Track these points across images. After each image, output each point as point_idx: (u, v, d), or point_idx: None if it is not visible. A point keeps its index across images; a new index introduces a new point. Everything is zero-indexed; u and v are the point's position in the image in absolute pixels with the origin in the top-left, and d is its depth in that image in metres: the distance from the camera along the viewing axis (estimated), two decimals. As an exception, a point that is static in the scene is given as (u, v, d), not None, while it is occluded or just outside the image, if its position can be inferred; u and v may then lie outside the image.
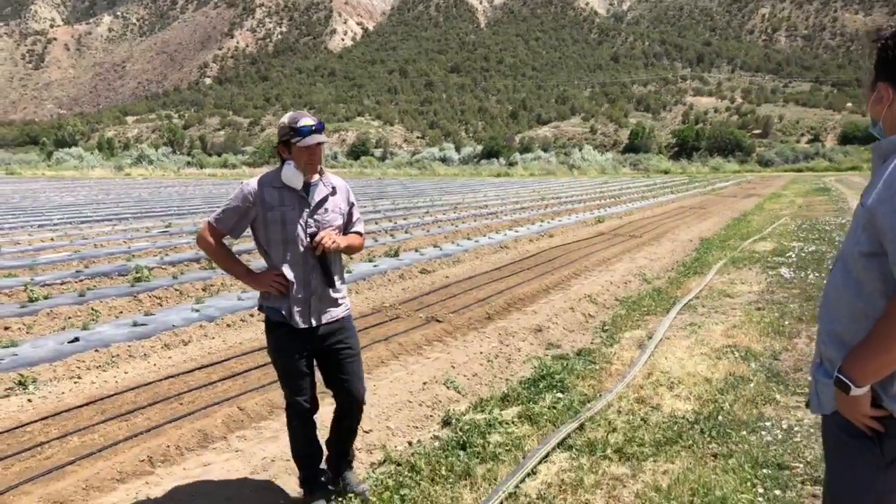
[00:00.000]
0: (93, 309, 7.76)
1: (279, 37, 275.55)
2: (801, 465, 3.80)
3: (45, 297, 8.30)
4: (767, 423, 4.38)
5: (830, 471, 2.03)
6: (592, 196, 29.70)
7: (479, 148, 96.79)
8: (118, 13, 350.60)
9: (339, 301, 3.52)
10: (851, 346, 1.89)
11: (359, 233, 3.63)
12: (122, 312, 7.89)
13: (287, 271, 3.34)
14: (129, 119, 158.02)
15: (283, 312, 3.38)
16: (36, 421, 4.64)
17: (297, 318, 3.37)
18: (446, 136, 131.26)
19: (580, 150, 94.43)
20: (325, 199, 3.43)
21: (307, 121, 3.32)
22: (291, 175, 3.32)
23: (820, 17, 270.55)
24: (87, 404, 4.96)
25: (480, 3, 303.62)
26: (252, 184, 3.40)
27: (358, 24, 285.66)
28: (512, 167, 77.48)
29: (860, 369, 1.83)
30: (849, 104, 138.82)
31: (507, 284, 9.75)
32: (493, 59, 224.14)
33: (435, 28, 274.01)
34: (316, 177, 3.44)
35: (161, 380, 5.49)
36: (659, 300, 8.71)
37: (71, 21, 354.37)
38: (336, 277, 3.48)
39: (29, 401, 5.16)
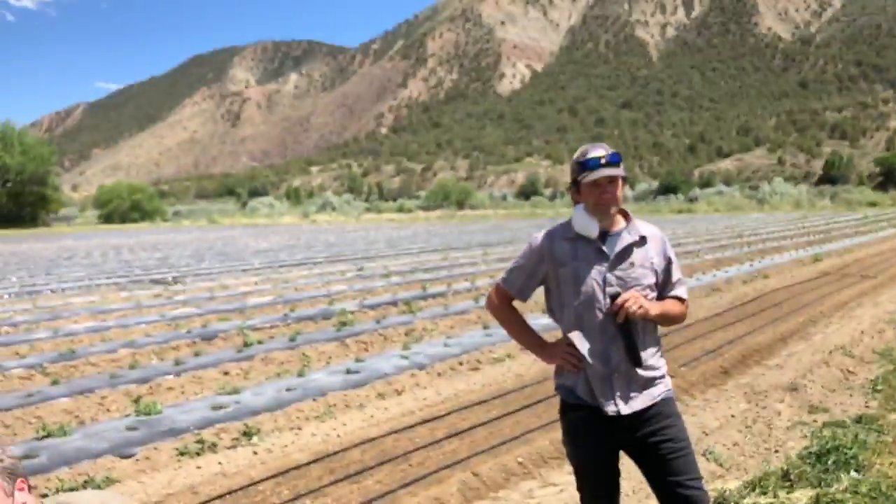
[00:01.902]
0: (304, 354, 7.72)
1: (450, 84, 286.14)
2: None
3: (259, 342, 8.41)
4: None
5: None
6: (797, 232, 27.12)
7: (655, 184, 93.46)
8: (303, 71, 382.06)
9: (653, 381, 2.71)
10: None
11: (679, 298, 2.81)
12: (331, 358, 7.79)
13: (579, 341, 2.65)
14: (314, 169, 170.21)
15: (580, 394, 2.67)
16: (266, 479, 4.40)
17: (595, 400, 2.64)
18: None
19: (769, 182, 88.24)
20: (629, 251, 2.70)
21: (598, 152, 2.69)
22: (582, 220, 2.67)
23: None
24: (313, 461, 4.67)
25: (652, 37, 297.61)
26: (540, 237, 2.80)
27: (526, 66, 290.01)
28: (693, 203, 73.78)
29: None
30: None
31: (736, 333, 8.65)
32: (667, 93, 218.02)
33: (605, 65, 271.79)
34: (620, 223, 2.74)
35: (384, 435, 5.13)
36: (933, 354, 7.27)
37: (262, 81, 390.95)
38: (649, 351, 2.70)
39: (255, 453, 4.98)
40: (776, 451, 4.82)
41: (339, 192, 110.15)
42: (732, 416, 5.56)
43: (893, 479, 4.08)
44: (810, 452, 4.61)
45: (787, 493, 4.01)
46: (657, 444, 2.64)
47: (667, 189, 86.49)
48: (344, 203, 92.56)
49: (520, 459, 4.64)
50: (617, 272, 2.64)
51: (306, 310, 10.90)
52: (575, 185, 2.73)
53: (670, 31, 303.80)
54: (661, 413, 2.66)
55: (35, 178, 68.36)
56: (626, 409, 2.60)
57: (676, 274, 2.81)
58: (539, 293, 2.92)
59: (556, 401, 5.90)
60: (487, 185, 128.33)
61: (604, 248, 2.66)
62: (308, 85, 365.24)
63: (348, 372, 6.91)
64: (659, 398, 2.67)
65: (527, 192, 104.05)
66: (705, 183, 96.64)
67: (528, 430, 5.17)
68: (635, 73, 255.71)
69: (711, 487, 4.24)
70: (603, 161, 2.64)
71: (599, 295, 2.61)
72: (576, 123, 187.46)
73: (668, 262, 2.77)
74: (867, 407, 5.71)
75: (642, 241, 2.73)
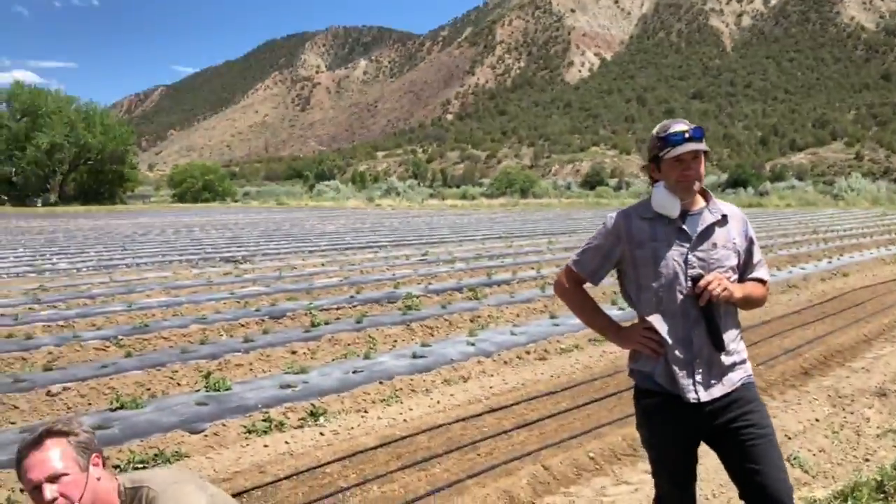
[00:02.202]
0: (370, 336, 7.71)
1: (517, 72, 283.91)
2: None
3: (326, 323, 8.45)
4: None
5: None
6: (876, 230, 25.86)
7: (724, 176, 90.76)
8: (372, 57, 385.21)
9: (735, 366, 2.56)
10: None
11: (761, 280, 2.65)
12: (396, 341, 7.76)
13: (659, 325, 2.51)
14: (379, 154, 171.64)
15: (658, 380, 2.54)
16: (333, 461, 4.37)
17: (675, 386, 2.50)
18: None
19: (846, 178, 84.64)
20: (710, 231, 2.55)
21: (680, 126, 2.54)
22: (663, 199, 2.53)
23: None
24: (380, 446, 4.63)
25: (727, 26, 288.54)
26: (616, 216, 2.66)
27: (595, 54, 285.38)
28: (763, 197, 71.32)
29: None
30: None
31: (816, 332, 8.25)
32: (740, 84, 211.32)
33: (676, 54, 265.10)
34: (700, 202, 2.59)
35: (452, 423, 5.06)
36: None
37: (332, 67, 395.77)
38: (730, 335, 2.56)
39: (321, 434, 4.98)
40: (867, 460, 4.54)
41: (403, 178, 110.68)
42: (817, 419, 5.28)
43: None
44: (906, 463, 4.32)
45: (881, 505, 3.76)
46: (738, 429, 2.49)
47: (736, 182, 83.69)
48: (408, 188, 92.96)
49: (591, 454, 4.50)
50: (699, 252, 2.51)
51: (372, 292, 10.92)
52: (655, 161, 2.58)
53: (746, 21, 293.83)
54: (742, 398, 2.53)
55: (114, 157, 70.88)
56: (706, 396, 2.47)
57: (758, 255, 2.67)
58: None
59: (628, 395, 5.74)
60: (552, 174, 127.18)
61: (685, 227, 2.52)
62: (377, 71, 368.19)
63: (414, 356, 6.86)
64: (739, 383, 2.54)
65: (591, 181, 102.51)
66: (777, 177, 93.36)
67: (599, 425, 5.02)
68: (707, 62, 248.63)
69: (798, 496, 4.02)
70: (687, 135, 2.50)
71: (681, 277, 2.48)
72: (644, 113, 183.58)
73: (750, 243, 2.65)
74: (966, 417, 5.34)
75: (724, 220, 2.59)
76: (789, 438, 4.86)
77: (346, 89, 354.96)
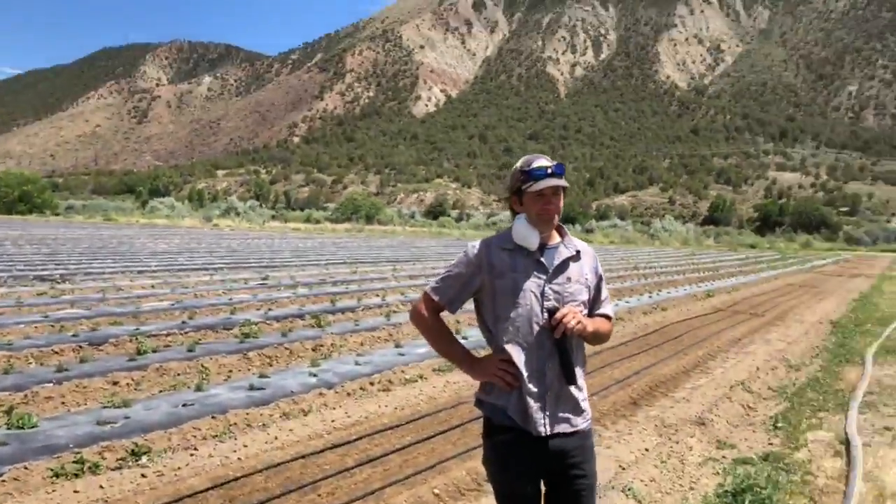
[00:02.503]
0: (203, 366, 7.21)
1: (366, 100, 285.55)
2: None
3: (154, 351, 7.80)
4: None
5: None
6: (688, 268, 28.30)
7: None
8: (218, 74, 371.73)
9: (580, 404, 2.60)
10: None
11: (607, 316, 2.74)
12: (231, 372, 7.31)
13: (516, 356, 2.52)
14: (220, 172, 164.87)
15: (510, 413, 2.53)
16: (157, 507, 3.96)
17: (527, 421, 2.51)
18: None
19: (660, 219, 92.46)
20: (566, 265, 2.63)
21: (542, 161, 2.61)
22: (524, 231, 2.58)
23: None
24: (211, 488, 4.25)
25: (562, 74, 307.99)
26: (478, 245, 2.65)
27: (441, 91, 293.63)
28: (589, 234, 76.12)
29: None
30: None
31: (642, 363, 8.77)
32: (572, 128, 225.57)
33: (516, 97, 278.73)
34: (556, 238, 2.67)
35: (290, 460, 4.76)
36: (823, 393, 7.58)
37: (175, 81, 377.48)
38: (579, 372, 2.61)
39: (143, 476, 4.51)
40: (692, 489, 4.80)
41: (244, 198, 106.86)
42: (647, 449, 5.53)
43: (806, 520, 4.12)
44: (726, 491, 4.62)
45: (707, 532, 3.96)
46: (574, 477, 2.57)
47: (565, 219, 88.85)
48: (249, 209, 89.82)
49: (436, 491, 4.41)
50: (554, 286, 2.58)
51: (206, 318, 10.28)
52: (517, 193, 2.64)
53: (579, 71, 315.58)
54: (582, 446, 2.61)
55: None
56: (553, 430, 2.51)
57: (605, 292, 2.77)
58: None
59: (472, 427, 5.75)
60: (397, 203, 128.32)
61: (542, 260, 2.59)
62: (221, 88, 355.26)
63: (251, 388, 6.48)
64: (583, 426, 2.60)
65: (435, 212, 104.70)
66: (602, 216, 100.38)
67: (443, 459, 4.95)
68: (544, 106, 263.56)
69: (631, 524, 4.16)
70: (549, 171, 2.58)
71: (537, 308, 2.53)
72: (485, 150, 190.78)
73: (599, 280, 2.74)
74: (771, 444, 5.83)
75: (578, 255, 2.68)
76: (623, 469, 5.05)
77: (187, 104, 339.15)
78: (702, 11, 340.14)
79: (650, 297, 16.35)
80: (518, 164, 2.66)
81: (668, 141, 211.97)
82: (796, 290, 20.49)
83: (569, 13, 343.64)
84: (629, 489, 4.60)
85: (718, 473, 5.08)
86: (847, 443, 5.70)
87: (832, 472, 5.05)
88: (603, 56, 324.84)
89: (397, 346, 8.90)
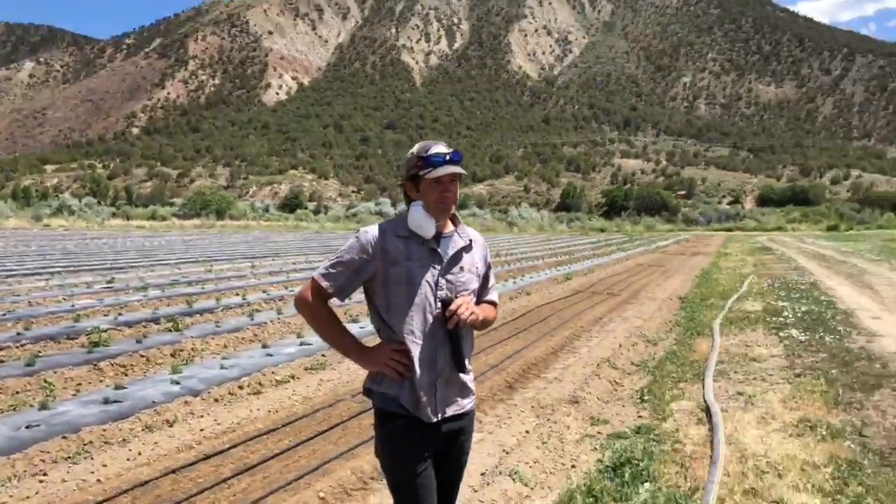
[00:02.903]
0: (46, 381, 6.51)
1: (212, 89, 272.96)
2: None
3: (-14, 366, 6.98)
4: (938, 527, 3.65)
5: None
6: (545, 253, 29.38)
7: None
8: (42, 59, 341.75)
9: (467, 387, 2.65)
10: None
11: (493, 303, 2.77)
12: (81, 385, 6.67)
13: (411, 346, 2.48)
14: (49, 168, 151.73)
15: (402, 402, 2.51)
16: (4, 543, 3.49)
17: (419, 409, 2.51)
18: (382, 190, 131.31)
19: (517, 207, 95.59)
20: (459, 255, 2.60)
21: (440, 148, 2.55)
22: (420, 219, 2.51)
23: (736, 87, 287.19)
24: (69, 515, 3.82)
25: (416, 63, 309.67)
26: (372, 231, 2.56)
27: (293, 78, 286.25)
28: (450, 223, 77.30)
29: None
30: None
31: (514, 347, 8.93)
32: (429, 118, 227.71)
33: (371, 85, 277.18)
34: (450, 226, 2.63)
35: (159, 477, 4.38)
36: (680, 364, 8.04)
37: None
38: (467, 357, 2.64)
39: (-16, 510, 3.98)
40: (573, 467, 4.89)
41: (79, 195, 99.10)
42: (527, 432, 5.60)
43: (684, 489, 4.30)
44: (606, 466, 4.74)
45: (594, 509, 4.04)
46: (457, 456, 2.66)
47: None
48: (85, 207, 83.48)
49: (322, 494, 4.21)
50: (448, 276, 2.55)
51: (46, 328, 9.35)
52: (413, 180, 2.57)
53: (434, 60, 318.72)
54: (466, 427, 2.67)
55: None
56: (443, 415, 2.54)
57: (492, 279, 2.80)
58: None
59: (353, 425, 5.57)
60: (249, 196, 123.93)
61: (437, 249, 2.55)
62: (46, 75, 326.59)
63: (106, 401, 5.93)
64: (469, 408, 2.65)
65: (291, 204, 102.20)
66: (461, 205, 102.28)
67: (326, 460, 4.75)
68: (399, 95, 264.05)
69: (521, 509, 4.17)
70: (447, 158, 2.52)
71: (431, 298, 2.50)
72: (341, 139, 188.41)
73: (488, 268, 2.76)
74: (640, 417, 6.08)
75: (470, 245, 2.66)
76: (507, 453, 5.07)
77: (6, 92, 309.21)
78: (550, 3, 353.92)
79: (514, 282, 16.77)
80: (414, 150, 2.59)
81: (522, 130, 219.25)
82: (645, 270, 21.79)
83: (421, 1, 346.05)
84: (515, 473, 4.61)
85: (596, 449, 5.23)
86: (707, 410, 6.05)
87: (697, 439, 5.33)
88: (456, 45, 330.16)
89: (265, 346, 8.52)
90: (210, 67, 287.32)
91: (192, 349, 8.21)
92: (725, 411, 6.02)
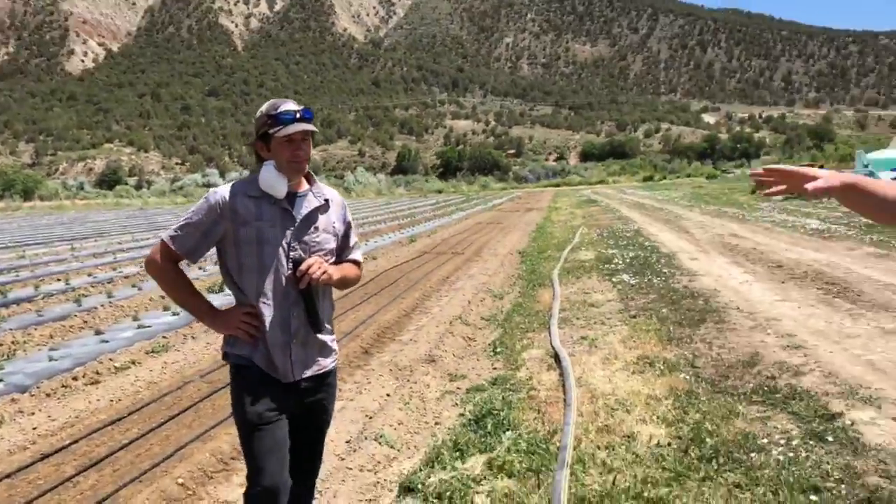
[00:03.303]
0: None
1: (5, 58, 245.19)
2: (835, 483, 3.50)
3: None
4: (763, 441, 4.08)
5: None
6: (387, 217, 29.50)
7: (246, 173, 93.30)
8: None
9: (329, 348, 2.65)
10: None
11: (356, 262, 2.80)
12: None
13: (262, 308, 2.47)
14: None
15: (257, 363, 2.48)
16: None
17: (274, 370, 2.49)
18: (209, 161, 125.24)
19: (352, 172, 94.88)
20: (314, 215, 2.56)
21: (290, 105, 2.50)
22: (271, 178, 2.45)
23: (555, 47, 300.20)
24: None
25: (236, 26, 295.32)
26: (221, 191, 2.49)
27: (100, 44, 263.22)
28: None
29: None
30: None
31: (366, 312, 8.90)
32: (254, 83, 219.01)
33: (189, 50, 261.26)
34: (304, 185, 2.59)
35: (-10, 486, 3.94)
36: (527, 315, 8.40)
37: None
38: (326, 316, 2.63)
39: None
40: (437, 424, 4.98)
41: None
42: (388, 395, 5.62)
43: (543, 433, 4.51)
44: (469, 420, 4.86)
45: (462, 462, 4.14)
46: (319, 412, 2.68)
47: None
48: None
49: (180, 480, 3.98)
50: (301, 235, 2.52)
51: None
52: (263, 139, 2.50)
53: (254, 23, 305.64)
54: (328, 383, 2.67)
55: None
56: (300, 376, 2.52)
57: (353, 238, 2.80)
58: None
59: (206, 406, 5.34)
60: (59, 174, 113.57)
61: (290, 209, 2.51)
62: None
63: (-87, 410, 5.24)
64: (330, 367, 2.65)
65: (109, 181, 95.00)
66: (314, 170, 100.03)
67: (181, 445, 4.50)
68: (220, 61, 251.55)
69: (390, 472, 4.19)
70: (298, 115, 2.47)
71: (283, 259, 2.47)
72: (160, 109, 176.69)
73: (348, 227, 2.76)
74: (495, 369, 6.30)
75: (326, 204, 2.64)
76: (370, 418, 5.07)
77: None
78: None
79: (360, 247, 16.68)
80: (263, 109, 2.53)
81: (352, 94, 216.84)
82: (485, 228, 22.48)
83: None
84: (381, 436, 4.62)
85: (457, 405, 5.35)
86: (556, 356, 6.37)
87: (550, 385, 5.61)
88: (277, 7, 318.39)
89: (98, 332, 7.89)
90: (2, 34, 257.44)
91: (13, 342, 7.44)
92: (573, 356, 6.36)
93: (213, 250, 2.58)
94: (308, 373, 2.54)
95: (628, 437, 4.34)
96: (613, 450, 4.13)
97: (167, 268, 2.50)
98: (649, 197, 36.92)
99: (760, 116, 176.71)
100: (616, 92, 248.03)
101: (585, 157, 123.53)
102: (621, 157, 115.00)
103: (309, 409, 2.61)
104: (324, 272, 2.45)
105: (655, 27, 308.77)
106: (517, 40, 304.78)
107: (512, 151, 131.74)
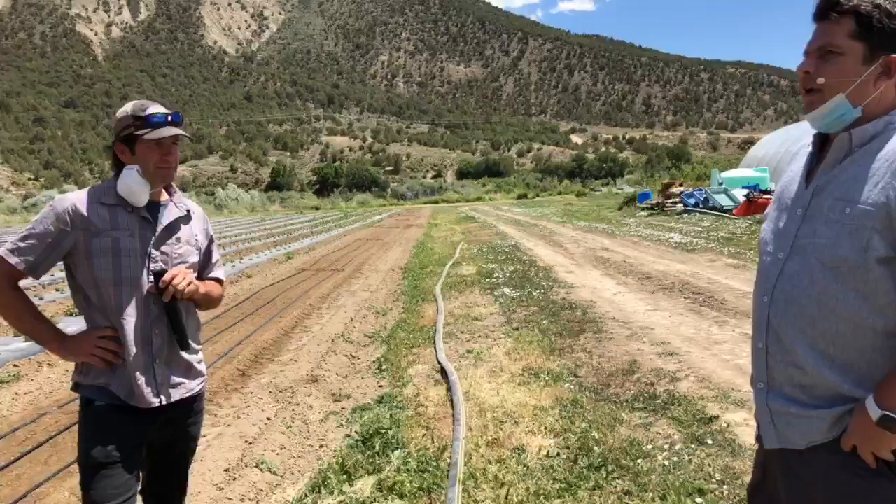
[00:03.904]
0: None
1: None
2: (717, 485, 3.61)
3: None
4: (648, 447, 4.16)
5: None
6: (262, 234, 28.62)
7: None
8: None
9: (196, 370, 2.45)
10: (852, 369, 1.60)
11: (219, 280, 2.59)
12: None
13: (121, 326, 2.23)
14: None
15: (115, 390, 2.24)
16: None
17: (135, 396, 2.26)
18: (66, 176, 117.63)
19: (224, 188, 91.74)
20: (176, 225, 2.38)
21: (159, 108, 2.29)
22: (134, 184, 2.23)
23: (430, 66, 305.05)
24: None
25: (96, 34, 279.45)
26: (71, 198, 2.25)
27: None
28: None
29: None
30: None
31: (242, 333, 8.49)
32: (116, 95, 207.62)
33: (42, 58, 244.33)
34: (164, 195, 2.40)
35: None
36: (412, 331, 8.31)
37: None
38: (192, 336, 2.43)
39: None
40: (322, 446, 4.77)
41: None
42: (269, 418, 5.34)
43: (432, 450, 4.40)
44: (356, 440, 4.68)
45: (350, 485, 3.96)
46: (184, 440, 2.48)
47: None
48: None
49: (33, 527, 3.56)
50: (163, 247, 2.32)
51: None
52: (126, 142, 2.28)
53: (116, 32, 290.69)
54: (194, 410, 2.49)
55: None
56: (165, 400, 2.32)
57: (216, 254, 2.62)
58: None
59: (63, 440, 4.85)
60: None
61: (150, 218, 2.31)
62: None
63: None
64: (197, 390, 2.46)
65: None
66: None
67: (36, 485, 4.04)
68: (79, 70, 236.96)
69: (275, 499, 3.95)
70: (169, 118, 2.28)
71: (142, 271, 2.25)
72: (9, 120, 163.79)
73: (210, 241, 2.58)
74: (381, 387, 6.14)
75: (189, 215, 2.46)
76: (250, 444, 4.77)
77: None
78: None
79: (233, 265, 16.02)
80: (128, 110, 2.29)
81: (223, 108, 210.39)
82: (365, 244, 22.26)
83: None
84: (262, 463, 4.36)
85: (343, 425, 5.15)
86: (443, 371, 6.30)
87: (438, 400, 5.52)
88: (142, 17, 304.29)
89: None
90: None
91: None
92: (459, 370, 6.31)
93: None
94: (175, 395, 2.34)
95: (518, 449, 4.31)
96: (504, 463, 4.09)
97: (7, 288, 2.20)
98: (524, 214, 38.00)
99: (624, 138, 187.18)
100: (490, 112, 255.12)
101: (462, 174, 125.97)
102: (496, 175, 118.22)
103: (173, 436, 2.42)
104: (189, 283, 2.27)
105: (526, 50, 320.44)
106: (393, 58, 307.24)
107: (390, 168, 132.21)
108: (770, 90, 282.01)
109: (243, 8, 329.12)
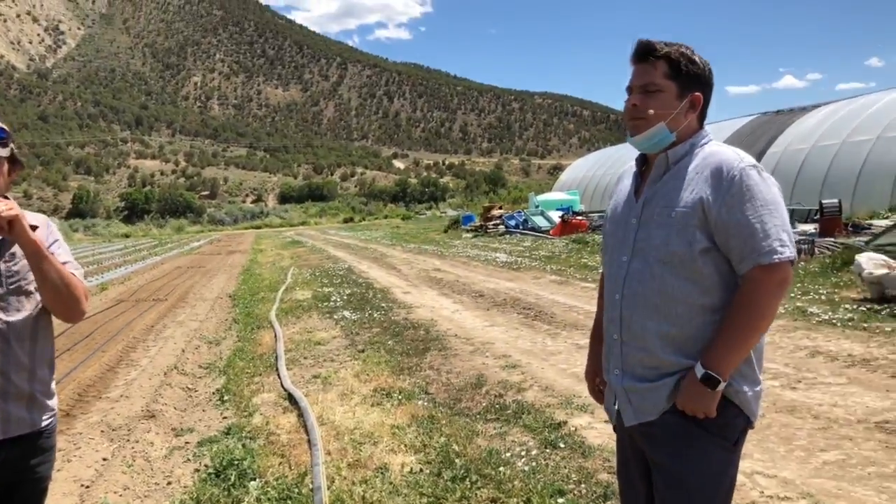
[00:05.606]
0: None
1: None
2: (575, 485, 3.84)
3: None
4: (507, 455, 4.33)
5: (684, 468, 1.96)
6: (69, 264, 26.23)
7: None
8: None
9: (39, 399, 2.19)
10: (688, 345, 1.96)
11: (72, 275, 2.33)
12: None
13: None
14: None
15: None
16: None
17: None
18: None
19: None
20: (10, 241, 2.18)
21: None
22: None
23: (247, 89, 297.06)
24: None
25: None
26: None
27: None
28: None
29: (727, 363, 1.88)
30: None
31: (60, 371, 7.72)
32: None
33: None
34: None
35: None
36: (251, 360, 8.02)
37: None
38: (40, 360, 2.19)
39: None
40: (169, 483, 4.48)
41: None
42: (105, 459, 4.92)
43: (291, 477, 4.29)
44: (208, 474, 4.45)
45: (209, 521, 3.76)
46: (28, 483, 2.23)
47: None
48: None
49: None
50: (1, 265, 2.16)
51: None
52: None
53: None
54: (40, 448, 2.23)
55: None
56: (5, 435, 2.10)
57: (65, 256, 2.35)
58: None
59: None
60: None
61: None
62: None
63: None
64: (45, 423, 2.23)
65: None
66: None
67: None
68: None
69: (123, 545, 3.65)
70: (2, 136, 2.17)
71: None
72: None
73: (53, 244, 2.35)
74: (225, 418, 5.87)
75: (33, 230, 2.24)
76: (88, 487, 4.39)
77: None
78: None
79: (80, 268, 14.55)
80: None
81: (13, 129, 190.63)
82: (186, 272, 21.12)
83: None
84: (106, 508, 4.01)
85: (190, 460, 4.88)
86: (290, 398, 6.15)
87: (290, 427, 5.38)
88: None
89: None
90: None
91: None
92: (308, 395, 6.19)
93: None
94: (16, 431, 2.11)
95: (381, 468, 4.31)
96: (369, 483, 4.08)
97: None
98: (353, 237, 37.96)
99: (444, 163, 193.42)
100: (311, 136, 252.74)
101: (284, 199, 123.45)
102: (320, 199, 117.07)
103: (15, 480, 2.17)
104: (10, 209, 2.00)
105: (345, 76, 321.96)
106: (206, 80, 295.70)
107: (206, 193, 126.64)
108: (574, 119, 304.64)
109: (35, 21, 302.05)
